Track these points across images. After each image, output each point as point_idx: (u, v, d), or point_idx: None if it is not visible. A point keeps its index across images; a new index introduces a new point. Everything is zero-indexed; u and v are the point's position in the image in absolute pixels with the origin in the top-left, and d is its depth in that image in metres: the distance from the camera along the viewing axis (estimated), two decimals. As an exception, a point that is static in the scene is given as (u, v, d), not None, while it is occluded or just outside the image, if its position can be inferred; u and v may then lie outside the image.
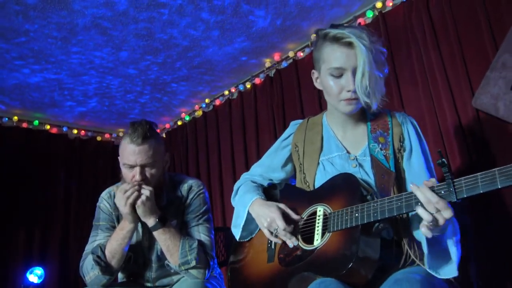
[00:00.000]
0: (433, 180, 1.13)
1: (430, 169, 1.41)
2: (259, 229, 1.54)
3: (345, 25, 1.43)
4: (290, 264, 1.36)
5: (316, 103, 2.98)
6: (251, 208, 1.53)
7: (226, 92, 3.82)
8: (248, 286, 1.48)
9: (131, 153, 1.76)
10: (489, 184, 0.99)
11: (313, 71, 1.53)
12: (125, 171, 1.83)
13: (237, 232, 1.61)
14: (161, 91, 3.81)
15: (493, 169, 0.99)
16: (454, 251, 1.18)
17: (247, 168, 2.05)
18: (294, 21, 2.94)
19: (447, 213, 1.06)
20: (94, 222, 1.97)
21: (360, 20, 2.85)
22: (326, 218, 1.34)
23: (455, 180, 1.06)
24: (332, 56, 1.38)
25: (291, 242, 1.38)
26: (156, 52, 3.18)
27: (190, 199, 1.92)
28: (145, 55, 3.20)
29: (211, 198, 3.65)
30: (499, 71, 2.12)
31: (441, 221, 1.07)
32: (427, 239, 1.17)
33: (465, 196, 1.03)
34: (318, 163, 1.52)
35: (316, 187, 1.49)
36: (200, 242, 1.83)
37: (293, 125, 1.71)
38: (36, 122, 4.06)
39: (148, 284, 1.92)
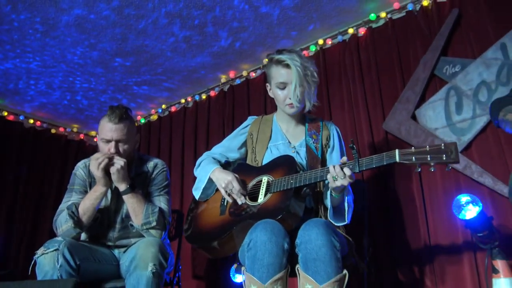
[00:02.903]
0: (345, 158, 1.69)
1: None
2: (214, 193, 2.00)
3: (286, 50, 1.98)
4: (238, 215, 1.82)
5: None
6: (212, 174, 1.99)
7: (183, 101, 4.23)
8: (204, 231, 1.91)
9: (108, 130, 2.17)
10: (378, 162, 1.54)
11: (267, 84, 2.10)
12: (101, 145, 2.21)
13: (197, 193, 2.06)
14: (123, 92, 4.15)
15: (382, 153, 1.54)
16: (346, 211, 1.74)
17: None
18: (250, 46, 3.47)
19: (345, 181, 1.61)
20: (69, 186, 2.30)
21: (304, 52, 3.43)
22: (269, 184, 1.83)
23: (359, 159, 1.60)
24: (277, 74, 1.97)
25: (241, 200, 1.85)
26: (126, 56, 3.55)
27: (155, 174, 2.33)
28: (115, 57, 3.56)
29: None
30: (404, 104, 2.76)
31: (338, 183, 1.61)
32: (331, 204, 1.73)
33: (364, 168, 1.58)
34: (267, 148, 2.04)
35: (263, 164, 1.99)
36: (160, 209, 2.22)
37: (251, 119, 2.25)
38: (-6, 107, 4.21)
39: (109, 243, 2.26)
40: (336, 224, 1.71)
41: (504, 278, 1.93)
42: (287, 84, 1.95)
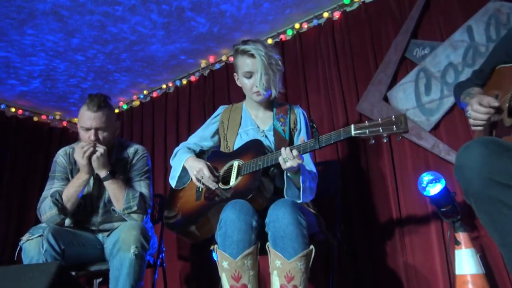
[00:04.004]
0: (303, 138, 1.79)
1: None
2: (190, 181, 2.09)
3: (251, 40, 2.05)
4: (212, 199, 1.91)
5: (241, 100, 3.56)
6: (186, 162, 2.08)
7: (164, 86, 4.28)
8: (181, 217, 2.00)
9: (87, 118, 2.23)
10: (336, 137, 1.63)
11: (234, 74, 2.20)
12: (82, 133, 2.28)
13: (173, 182, 2.15)
14: (104, 79, 4.18)
15: (340, 129, 1.63)
16: (300, 191, 1.84)
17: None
18: (228, 31, 3.52)
19: (294, 162, 1.70)
20: (50, 174, 2.37)
21: (281, 36, 3.49)
22: (239, 168, 1.92)
23: (319, 136, 1.68)
24: (243, 64, 2.07)
25: (213, 185, 1.94)
26: (105, 43, 3.58)
27: (135, 159, 2.41)
28: (94, 44, 3.58)
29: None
30: (376, 86, 2.85)
31: (288, 165, 1.71)
32: (287, 184, 1.83)
33: (324, 145, 1.66)
34: (237, 134, 2.13)
35: (234, 149, 2.08)
36: (141, 194, 2.30)
37: (221, 108, 2.34)
38: (-25, 97, 4.22)
39: (93, 228, 2.34)
40: (298, 201, 1.80)
41: (465, 249, 2.06)
42: (253, 73, 2.05)
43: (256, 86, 2.04)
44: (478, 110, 1.56)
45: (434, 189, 2.10)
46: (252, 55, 2.01)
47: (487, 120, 1.56)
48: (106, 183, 2.23)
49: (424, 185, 2.15)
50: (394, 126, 1.50)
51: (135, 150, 2.43)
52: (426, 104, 2.64)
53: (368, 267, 2.63)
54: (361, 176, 2.81)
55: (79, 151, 2.19)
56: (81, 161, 2.19)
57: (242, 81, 2.12)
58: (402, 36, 2.80)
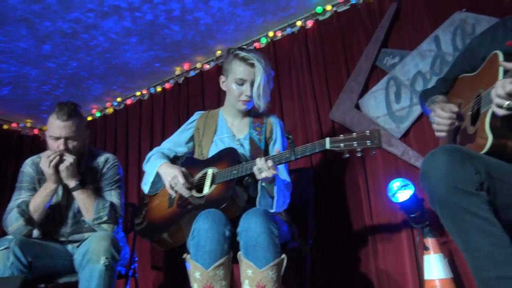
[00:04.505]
0: (278, 149, 1.81)
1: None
2: (163, 187, 2.07)
3: (250, 49, 2.08)
4: (184, 207, 1.90)
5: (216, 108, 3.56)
6: (159, 168, 2.05)
7: (138, 93, 4.24)
8: (154, 224, 1.98)
9: (56, 127, 2.19)
10: (311, 150, 1.65)
11: (221, 76, 2.18)
12: (50, 142, 2.24)
13: (146, 188, 2.12)
14: (76, 86, 4.11)
15: (315, 142, 1.65)
16: (274, 201, 1.85)
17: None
18: (203, 39, 3.52)
19: (269, 173, 1.72)
20: (17, 184, 2.31)
21: (255, 44, 3.51)
22: (214, 176, 1.92)
23: (295, 148, 1.70)
24: (239, 70, 2.05)
25: (186, 193, 1.92)
26: (77, 50, 3.52)
27: (106, 168, 2.37)
28: (66, 51, 3.52)
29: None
30: (348, 94, 2.89)
31: (263, 175, 1.72)
32: (260, 194, 1.85)
33: (299, 156, 1.68)
34: (212, 141, 2.13)
35: (209, 157, 2.07)
36: (112, 203, 2.27)
37: (197, 114, 2.33)
38: None
39: (62, 239, 2.29)
40: (270, 211, 1.81)
41: (433, 254, 2.10)
42: (245, 82, 2.05)
43: (246, 95, 2.05)
44: (440, 115, 1.61)
45: (403, 196, 2.14)
46: (252, 65, 2.02)
47: (449, 125, 1.61)
48: (75, 193, 2.19)
49: (393, 192, 2.18)
50: (368, 141, 1.53)
51: (105, 159, 2.39)
52: (396, 111, 2.70)
53: (341, 274, 2.65)
54: (334, 183, 2.84)
55: (45, 160, 2.15)
56: (47, 170, 2.14)
57: (230, 86, 2.11)
58: (373, 45, 2.85)
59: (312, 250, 2.21)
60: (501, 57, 1.41)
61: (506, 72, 1.35)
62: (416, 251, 2.40)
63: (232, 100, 2.14)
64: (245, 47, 3.52)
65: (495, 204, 1.32)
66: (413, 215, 2.13)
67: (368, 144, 1.54)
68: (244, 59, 2.03)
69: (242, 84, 2.06)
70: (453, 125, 1.61)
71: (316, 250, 2.59)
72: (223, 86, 2.17)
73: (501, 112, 1.30)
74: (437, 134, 1.67)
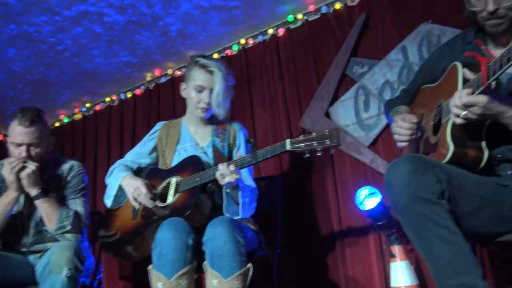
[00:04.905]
0: (240, 153, 1.82)
1: None
2: (126, 200, 2.03)
3: (212, 57, 2.07)
4: (149, 218, 1.87)
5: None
6: (122, 181, 2.01)
7: (108, 99, 4.16)
8: (117, 237, 1.94)
9: (19, 134, 2.12)
10: (272, 152, 1.66)
11: (182, 83, 2.15)
12: (12, 149, 2.16)
13: (109, 201, 2.08)
14: (44, 91, 4.00)
15: (276, 143, 1.65)
16: (240, 207, 1.84)
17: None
18: (174, 44, 3.49)
19: (231, 178, 1.71)
20: (-23, 192, 2.22)
21: (227, 51, 3.51)
22: (177, 184, 1.89)
23: (256, 151, 1.69)
24: (198, 76, 2.04)
25: (150, 204, 1.89)
26: (44, 54, 3.43)
27: (70, 176, 2.30)
28: (33, 55, 3.43)
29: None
30: (318, 102, 2.92)
31: (226, 180, 1.72)
32: (226, 201, 1.83)
33: (260, 159, 1.68)
34: (176, 150, 2.11)
35: (172, 166, 2.04)
36: (76, 212, 2.20)
37: (159, 124, 2.31)
38: None
39: (24, 249, 2.21)
40: (235, 218, 1.80)
41: (400, 261, 2.13)
42: (205, 89, 2.04)
43: (205, 102, 2.03)
44: (401, 126, 1.64)
45: (370, 204, 2.16)
46: (211, 72, 2.02)
47: (409, 136, 1.64)
48: (37, 202, 2.12)
49: (360, 200, 2.21)
50: (328, 140, 1.55)
51: (70, 166, 2.33)
52: (365, 120, 2.73)
53: (310, 280, 2.66)
54: (303, 190, 2.85)
55: (7, 167, 2.08)
56: (9, 177, 2.07)
57: (190, 93, 2.09)
58: (343, 54, 2.89)
59: (280, 258, 2.19)
60: (460, 68, 1.44)
61: (465, 82, 1.38)
62: (384, 258, 2.43)
63: (191, 107, 2.13)
64: (216, 54, 3.52)
65: (456, 213, 1.34)
66: (380, 223, 2.16)
67: (328, 143, 1.55)
68: (204, 66, 2.03)
69: (201, 91, 2.05)
70: (414, 135, 1.64)
71: (284, 256, 2.58)
72: (183, 93, 2.16)
73: (458, 121, 1.33)
74: (398, 144, 1.70)
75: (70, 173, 2.31)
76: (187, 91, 2.11)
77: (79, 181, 2.32)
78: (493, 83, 1.38)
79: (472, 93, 1.28)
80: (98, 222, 2.82)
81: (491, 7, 1.38)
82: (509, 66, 1.16)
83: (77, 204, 2.26)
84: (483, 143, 1.41)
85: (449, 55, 1.65)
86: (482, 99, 1.26)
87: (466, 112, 1.29)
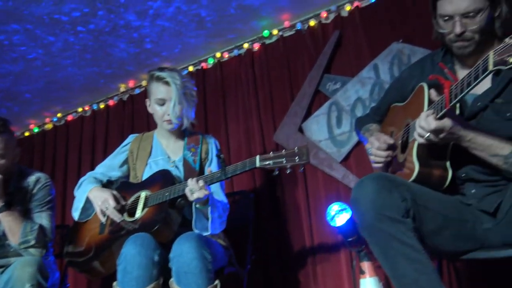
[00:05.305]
0: (210, 168, 1.80)
1: None
2: (94, 213, 1.98)
3: (168, 68, 2.05)
4: (116, 232, 1.83)
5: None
6: (90, 193, 1.97)
7: (80, 109, 4.07)
8: (83, 252, 1.89)
9: (-17, 144, 2.05)
10: (242, 168, 1.66)
11: (146, 99, 2.14)
12: (-24, 160, 2.09)
13: (76, 214, 2.04)
14: (13, 100, 3.90)
15: (246, 160, 1.65)
16: (209, 223, 1.81)
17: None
18: (148, 56, 3.46)
19: (200, 193, 1.69)
20: None
21: (202, 64, 3.50)
22: (147, 199, 1.86)
23: (226, 167, 1.69)
24: (157, 90, 2.04)
25: (117, 218, 1.85)
26: (14, 62, 3.35)
27: (37, 189, 2.25)
28: (3, 63, 3.35)
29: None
30: (292, 117, 2.94)
31: (195, 196, 1.70)
32: (196, 216, 1.80)
33: (230, 175, 1.67)
34: (147, 164, 2.07)
35: (143, 180, 2.01)
36: (41, 226, 2.15)
37: (131, 137, 2.28)
38: None
39: (-16, 264, 2.14)
40: (205, 234, 1.78)
41: (369, 277, 2.14)
42: (165, 101, 2.02)
43: (168, 115, 2.00)
44: (380, 148, 1.65)
45: (341, 220, 2.18)
46: (167, 83, 1.99)
47: (385, 157, 1.66)
48: (0, 216, 2.05)
49: (331, 216, 2.22)
50: (297, 157, 1.56)
51: (36, 179, 2.27)
52: (338, 136, 2.76)
53: (282, 297, 2.64)
54: (276, 205, 2.85)
55: None
56: None
57: (153, 108, 2.08)
58: (316, 70, 2.92)
59: (251, 274, 2.18)
60: (426, 89, 1.48)
61: (431, 103, 1.42)
62: (353, 274, 2.44)
63: (158, 121, 2.12)
64: (191, 67, 3.52)
65: (421, 231, 1.36)
66: (350, 239, 2.17)
67: (297, 160, 1.56)
68: (160, 79, 2.02)
69: (163, 104, 2.03)
70: (389, 157, 1.66)
71: (255, 273, 2.56)
72: (149, 109, 2.14)
73: (422, 140, 1.36)
74: (374, 165, 1.72)
75: (37, 185, 2.25)
76: (152, 106, 2.11)
77: (45, 194, 2.26)
78: (458, 105, 1.42)
79: (436, 114, 1.31)
80: (65, 236, 2.74)
81: (458, 29, 1.42)
82: (470, 90, 1.19)
83: (42, 218, 2.20)
84: (448, 163, 1.44)
85: (418, 75, 1.69)
86: (447, 123, 1.29)
87: (429, 133, 1.31)
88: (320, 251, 2.64)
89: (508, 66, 1.04)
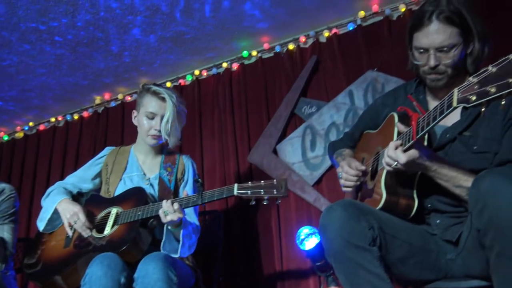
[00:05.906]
0: (187, 191, 1.77)
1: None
2: (60, 226, 1.93)
3: (163, 85, 2.08)
4: (82, 247, 1.78)
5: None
6: (58, 204, 1.92)
7: (53, 119, 4.00)
8: (46, 266, 1.83)
9: None
10: (219, 195, 1.65)
11: (134, 111, 2.12)
12: None
13: (42, 225, 1.97)
14: (-17, 106, 3.81)
15: (223, 187, 1.64)
16: (179, 246, 1.78)
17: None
18: (126, 69, 3.44)
19: (174, 216, 1.68)
20: None
21: (181, 80, 3.50)
22: (117, 216, 1.82)
23: (203, 192, 1.68)
24: (150, 104, 2.01)
25: (85, 233, 1.81)
26: (-14, 69, 3.29)
27: (0, 200, 2.17)
28: (-26, 69, 3.28)
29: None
30: (267, 138, 2.95)
31: (168, 218, 1.68)
32: (165, 237, 1.77)
33: (206, 201, 1.66)
34: (121, 179, 2.03)
35: (115, 195, 1.98)
36: (2, 239, 2.08)
37: (108, 149, 2.23)
38: None
39: None
40: (173, 255, 1.75)
41: (336, 303, 2.14)
42: (156, 115, 2.00)
43: (155, 129, 1.99)
44: (348, 172, 1.67)
45: (310, 244, 2.18)
46: (163, 99, 1.99)
47: (355, 182, 1.67)
48: (-41, 227, 1.98)
49: (301, 239, 2.22)
50: (275, 190, 1.57)
51: (1, 190, 2.20)
52: (311, 159, 2.79)
53: (249, 320, 2.61)
54: (247, 226, 2.83)
55: None
56: None
57: (140, 120, 2.05)
58: (293, 93, 2.96)
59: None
60: (396, 118, 1.51)
61: (399, 133, 1.45)
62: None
63: (142, 134, 2.08)
64: (169, 83, 3.51)
65: (387, 259, 1.37)
66: (319, 264, 2.17)
67: (275, 193, 1.57)
68: (155, 93, 2.01)
69: (152, 118, 2.01)
70: (359, 181, 1.68)
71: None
72: (135, 121, 2.12)
73: (389, 168, 1.38)
74: (344, 189, 1.74)
75: (0, 197, 2.18)
76: (138, 118, 2.08)
77: (9, 205, 2.20)
78: (426, 136, 1.46)
79: (403, 145, 1.34)
80: (24, 248, 2.65)
81: (432, 62, 1.46)
82: (435, 124, 1.23)
83: (4, 231, 2.14)
84: (415, 192, 1.47)
85: (391, 104, 1.73)
86: (413, 154, 1.32)
87: (396, 163, 1.34)
88: (289, 274, 2.63)
89: (470, 105, 1.07)
